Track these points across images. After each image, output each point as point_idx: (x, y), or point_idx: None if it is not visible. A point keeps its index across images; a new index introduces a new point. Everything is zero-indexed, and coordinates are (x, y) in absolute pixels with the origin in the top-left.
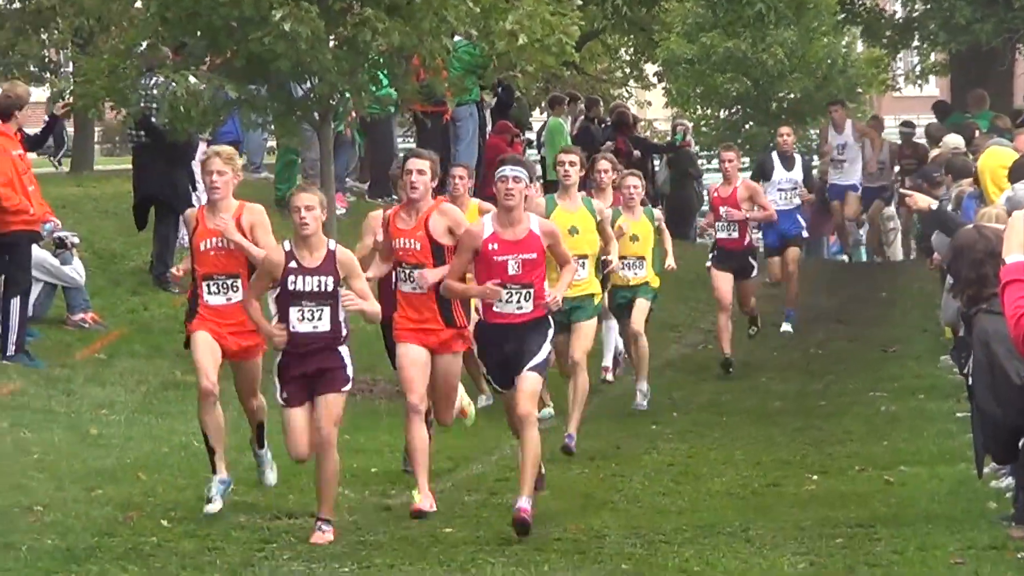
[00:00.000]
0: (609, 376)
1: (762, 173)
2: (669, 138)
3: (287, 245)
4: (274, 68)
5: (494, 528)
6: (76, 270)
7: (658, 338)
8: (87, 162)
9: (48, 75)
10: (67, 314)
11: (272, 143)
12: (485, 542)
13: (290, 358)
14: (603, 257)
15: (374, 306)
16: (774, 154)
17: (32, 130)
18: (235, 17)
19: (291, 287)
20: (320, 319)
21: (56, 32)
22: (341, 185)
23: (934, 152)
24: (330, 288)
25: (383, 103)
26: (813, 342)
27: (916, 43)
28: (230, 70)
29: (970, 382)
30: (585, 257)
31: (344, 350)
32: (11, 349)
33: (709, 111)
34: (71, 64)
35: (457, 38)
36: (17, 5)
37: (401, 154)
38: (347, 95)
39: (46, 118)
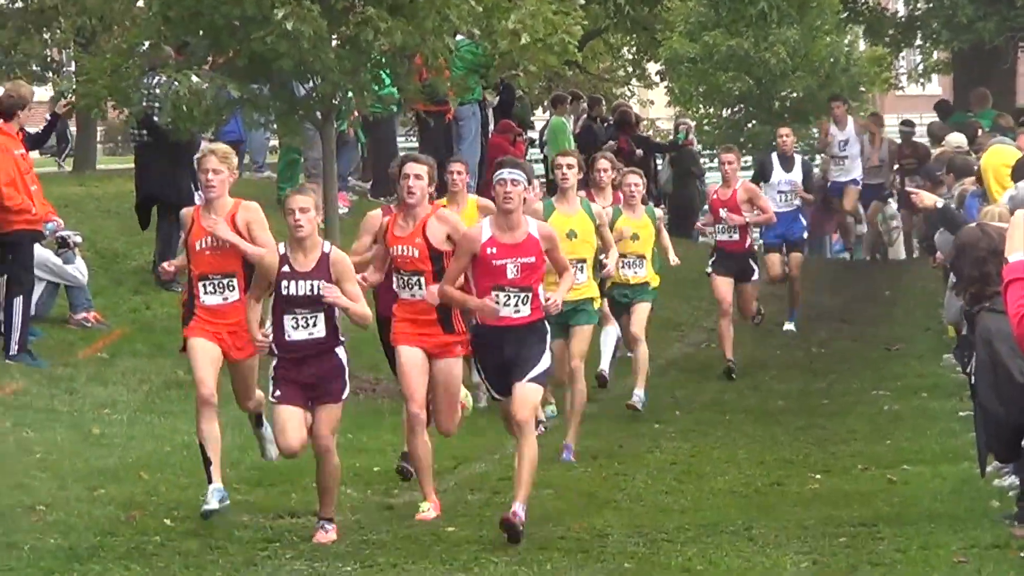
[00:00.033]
0: (606, 372)
1: (762, 174)
2: (671, 137)
3: (282, 248)
4: (276, 67)
5: (497, 527)
6: (78, 269)
7: (661, 337)
8: (89, 161)
9: (50, 74)
10: (69, 313)
11: (275, 142)
12: (488, 541)
13: (286, 363)
14: (600, 257)
15: (362, 308)
16: (774, 155)
17: (33, 129)
18: (237, 16)
19: (284, 292)
20: (315, 326)
21: (58, 31)
22: (344, 184)
23: (937, 151)
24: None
25: (385, 102)
26: (816, 341)
27: (919, 42)
28: (232, 69)
29: (973, 381)
30: (583, 261)
31: (341, 352)
32: (14, 348)
33: (711, 110)
34: (73, 63)
35: (460, 37)
36: (19, 4)
37: (402, 154)
38: (350, 94)
39: (48, 116)
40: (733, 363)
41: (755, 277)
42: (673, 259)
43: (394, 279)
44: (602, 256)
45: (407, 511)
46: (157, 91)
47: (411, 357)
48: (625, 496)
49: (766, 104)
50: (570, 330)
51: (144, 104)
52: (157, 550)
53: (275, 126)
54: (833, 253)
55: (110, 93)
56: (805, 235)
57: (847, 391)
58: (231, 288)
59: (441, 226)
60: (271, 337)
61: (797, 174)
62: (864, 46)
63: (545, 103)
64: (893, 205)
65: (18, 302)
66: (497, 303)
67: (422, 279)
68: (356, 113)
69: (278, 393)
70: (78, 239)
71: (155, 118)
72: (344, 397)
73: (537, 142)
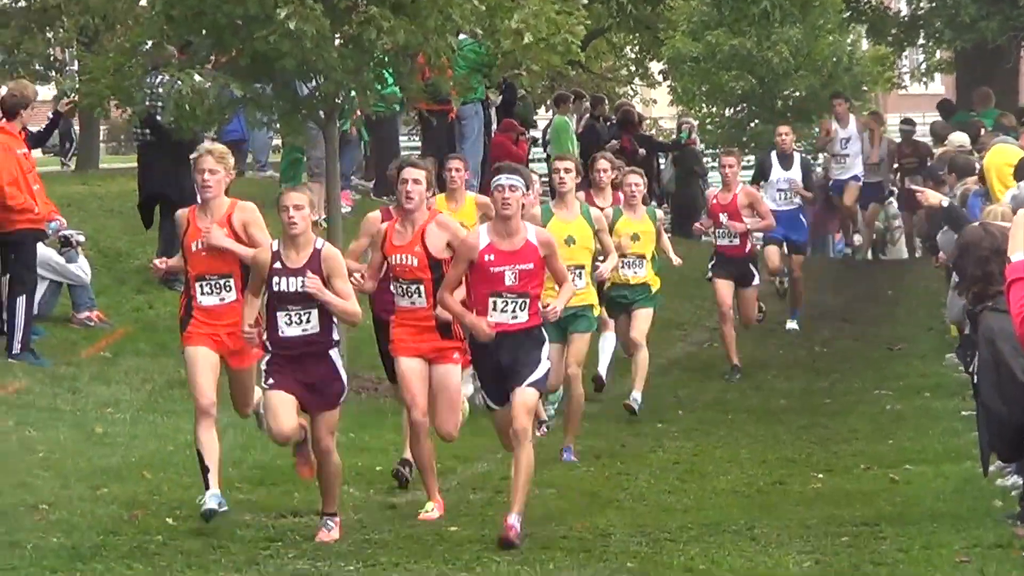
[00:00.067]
0: (603, 376)
1: (761, 173)
2: (674, 136)
3: (275, 245)
4: (279, 66)
5: (499, 526)
6: (81, 268)
7: (663, 337)
8: (92, 160)
9: (53, 74)
10: (72, 312)
11: (278, 142)
12: (490, 540)
13: (280, 360)
14: (597, 260)
15: (351, 306)
16: (773, 154)
17: (35, 127)
18: (240, 15)
19: (275, 288)
20: (308, 322)
21: (61, 31)
22: (346, 183)
23: (939, 150)
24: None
25: (388, 101)
26: (818, 340)
27: (921, 41)
28: (235, 68)
29: (975, 380)
30: (581, 268)
31: (335, 354)
32: (17, 347)
33: (714, 109)
34: (76, 63)
35: (462, 36)
36: (23, 3)
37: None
38: (352, 93)
39: (50, 115)
40: (739, 368)
41: (756, 282)
42: (675, 260)
43: (392, 287)
44: (599, 258)
45: (409, 510)
46: (160, 90)
47: (411, 367)
48: (628, 495)
49: (769, 103)
50: (568, 336)
51: (147, 103)
52: (160, 549)
53: (278, 125)
54: (835, 252)
55: (113, 92)
56: (807, 237)
57: (849, 390)
58: (228, 288)
59: (441, 233)
60: (264, 334)
61: (796, 172)
62: (867, 45)
63: (548, 102)
64: (895, 204)
65: (21, 301)
66: (490, 335)
67: (421, 287)
68: (359, 112)
69: (271, 381)
70: (81, 238)
71: (158, 117)
72: (342, 400)
73: (540, 141)
